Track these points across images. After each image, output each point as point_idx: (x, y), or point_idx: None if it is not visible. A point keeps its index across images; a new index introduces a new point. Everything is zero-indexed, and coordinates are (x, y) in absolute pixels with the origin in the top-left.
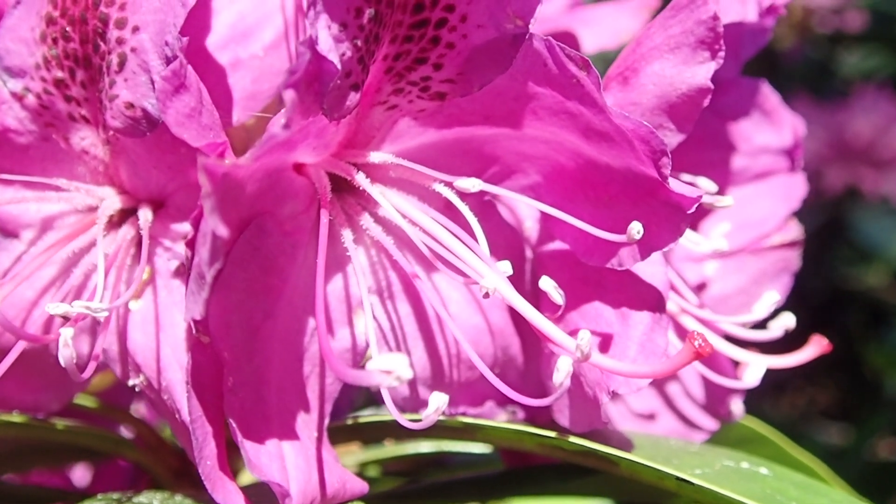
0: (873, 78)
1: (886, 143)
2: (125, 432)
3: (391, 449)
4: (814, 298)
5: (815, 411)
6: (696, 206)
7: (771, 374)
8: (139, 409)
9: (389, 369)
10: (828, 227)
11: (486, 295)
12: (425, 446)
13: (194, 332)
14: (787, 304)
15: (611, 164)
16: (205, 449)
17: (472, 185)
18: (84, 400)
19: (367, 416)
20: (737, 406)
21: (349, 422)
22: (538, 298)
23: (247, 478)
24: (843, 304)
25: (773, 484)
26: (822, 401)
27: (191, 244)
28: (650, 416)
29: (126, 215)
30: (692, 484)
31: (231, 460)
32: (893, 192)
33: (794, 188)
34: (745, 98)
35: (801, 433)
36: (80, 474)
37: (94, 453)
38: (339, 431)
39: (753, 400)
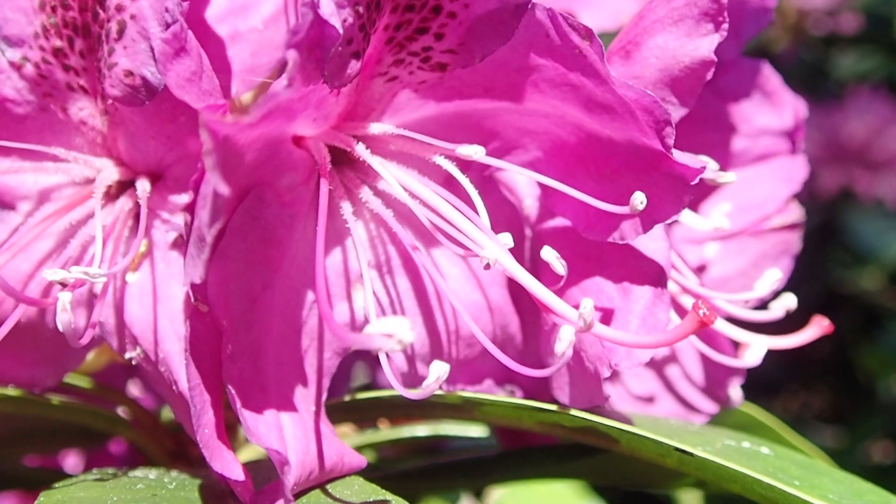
0: (868, 80)
1: (881, 144)
2: (121, 414)
3: (387, 433)
4: (807, 301)
5: (809, 415)
6: (699, 177)
7: (764, 377)
8: (134, 390)
9: (390, 332)
10: (822, 230)
11: (487, 266)
12: (421, 430)
13: (192, 300)
14: None
15: (613, 137)
16: (203, 417)
17: (475, 151)
18: (79, 381)
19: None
20: (735, 392)
21: (346, 398)
22: (538, 275)
23: (244, 456)
24: (836, 307)
25: (775, 463)
26: (816, 404)
27: (190, 208)
28: (649, 399)
29: (124, 187)
30: (694, 457)
31: (230, 436)
32: (888, 194)
33: (795, 170)
34: (745, 79)
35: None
36: (73, 462)
37: (90, 432)
38: (335, 409)
39: (747, 401)
